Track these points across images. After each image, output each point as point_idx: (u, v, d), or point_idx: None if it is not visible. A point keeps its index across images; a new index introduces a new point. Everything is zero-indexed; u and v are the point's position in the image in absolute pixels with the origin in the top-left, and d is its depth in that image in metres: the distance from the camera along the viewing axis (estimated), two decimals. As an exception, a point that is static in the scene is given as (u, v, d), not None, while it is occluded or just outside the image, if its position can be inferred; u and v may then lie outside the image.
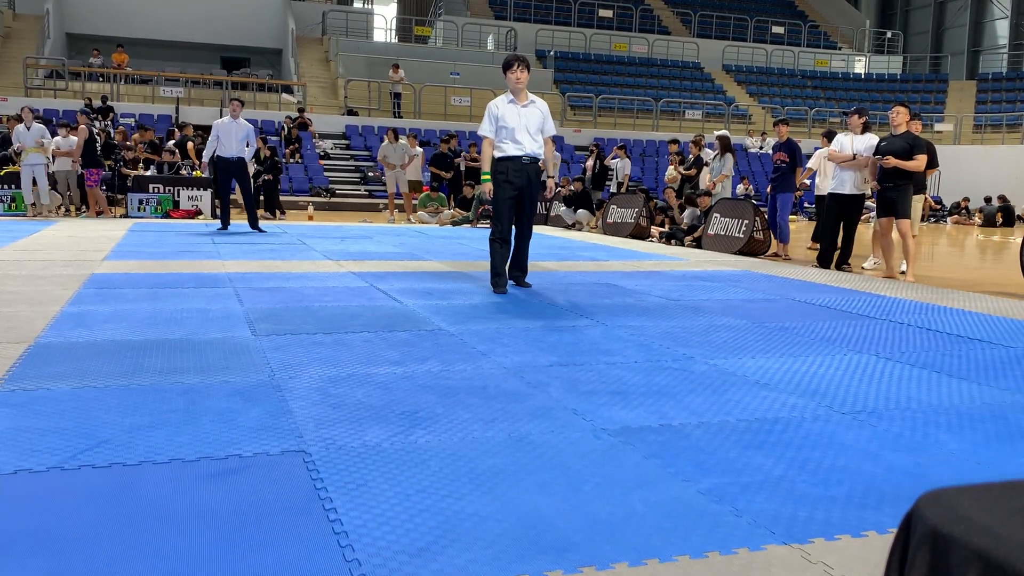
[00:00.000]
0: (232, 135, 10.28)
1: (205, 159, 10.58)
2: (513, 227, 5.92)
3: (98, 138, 12.88)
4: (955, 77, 32.61)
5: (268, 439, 2.53)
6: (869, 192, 8.35)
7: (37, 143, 11.91)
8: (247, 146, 10.45)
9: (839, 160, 8.19)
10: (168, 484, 2.15)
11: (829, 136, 11.04)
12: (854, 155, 8.05)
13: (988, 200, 21.25)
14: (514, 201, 5.83)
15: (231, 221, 10.99)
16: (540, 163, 5.90)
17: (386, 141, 14.62)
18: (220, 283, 5.84)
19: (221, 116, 20.36)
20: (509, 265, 5.99)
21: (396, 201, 14.94)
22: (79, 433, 2.53)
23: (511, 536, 1.91)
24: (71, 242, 8.51)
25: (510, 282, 6.02)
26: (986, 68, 33.69)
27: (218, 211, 13.43)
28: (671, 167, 13.28)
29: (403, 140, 14.70)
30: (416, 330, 4.32)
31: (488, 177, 5.84)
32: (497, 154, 5.80)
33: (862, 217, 9.08)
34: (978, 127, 27.03)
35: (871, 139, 8.06)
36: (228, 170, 10.39)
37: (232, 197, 15.06)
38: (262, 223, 11.69)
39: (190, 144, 14.78)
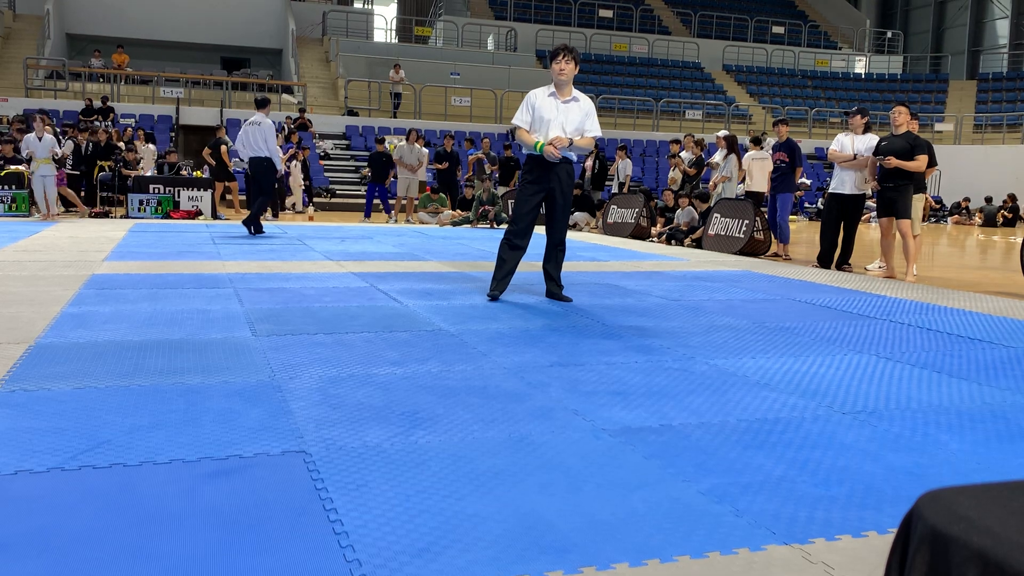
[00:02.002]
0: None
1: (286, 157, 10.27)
2: (546, 234, 5.56)
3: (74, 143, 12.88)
4: (955, 77, 32.62)
5: (268, 439, 2.53)
6: (869, 192, 8.36)
7: (52, 153, 11.85)
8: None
9: (839, 160, 8.20)
10: (169, 485, 2.16)
11: (756, 142, 11.15)
12: (855, 155, 8.06)
13: (988, 200, 21.26)
14: (538, 204, 5.43)
15: (224, 219, 10.94)
16: (572, 163, 5.43)
17: (403, 142, 14.57)
18: (220, 284, 5.84)
19: (222, 117, 20.48)
20: (545, 277, 5.64)
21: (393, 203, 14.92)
22: (79, 434, 2.53)
23: (512, 536, 1.91)
24: (71, 243, 8.51)
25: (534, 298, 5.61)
26: (986, 68, 33.69)
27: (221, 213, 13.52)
28: (672, 169, 13.32)
29: (417, 143, 14.61)
30: (416, 330, 4.32)
31: (541, 143, 5.26)
32: (527, 151, 5.41)
33: (862, 217, 9.09)
34: (978, 127, 27.03)
35: (872, 139, 8.07)
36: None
37: (228, 197, 15.07)
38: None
39: (223, 148, 14.65)
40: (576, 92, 5.45)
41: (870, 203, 14.42)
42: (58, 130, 12.97)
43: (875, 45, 35.17)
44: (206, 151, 14.67)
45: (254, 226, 10.24)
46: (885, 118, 8.56)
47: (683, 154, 12.92)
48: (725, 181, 10.99)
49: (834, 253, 8.37)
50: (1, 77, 21.30)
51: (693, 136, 13.22)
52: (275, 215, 14.53)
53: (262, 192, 10.34)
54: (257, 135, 10.18)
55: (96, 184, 13.97)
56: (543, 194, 5.42)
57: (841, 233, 8.35)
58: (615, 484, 2.25)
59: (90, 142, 14.23)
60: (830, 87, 30.45)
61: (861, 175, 8.12)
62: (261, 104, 10.41)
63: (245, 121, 10.51)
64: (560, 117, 5.33)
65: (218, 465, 2.30)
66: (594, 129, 5.44)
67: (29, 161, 12.05)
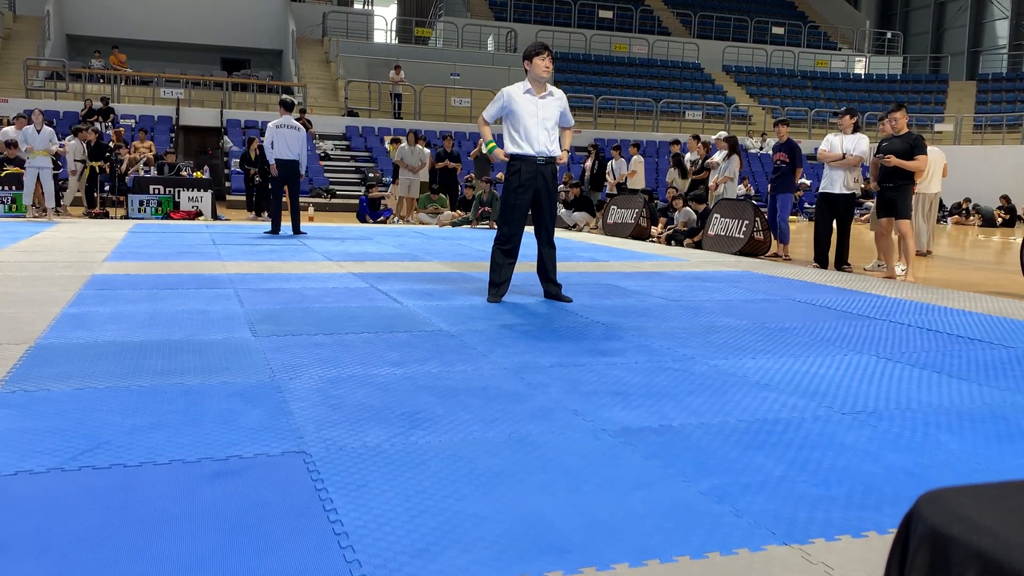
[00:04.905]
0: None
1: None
2: (535, 236, 5.58)
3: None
4: (955, 77, 32.60)
5: (268, 440, 2.53)
6: (859, 192, 8.41)
7: (46, 148, 11.84)
8: (272, 147, 10.47)
9: (829, 160, 8.24)
10: (168, 485, 2.16)
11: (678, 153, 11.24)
12: (843, 154, 8.12)
13: (976, 206, 21.39)
14: (526, 207, 5.43)
15: (225, 220, 10.96)
16: (556, 160, 5.48)
17: (403, 144, 14.56)
18: (220, 284, 5.84)
19: (222, 118, 20.47)
20: (540, 278, 5.66)
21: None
22: (80, 434, 2.53)
23: (511, 537, 1.91)
24: (72, 243, 8.51)
25: (540, 299, 5.64)
26: (986, 68, 33.68)
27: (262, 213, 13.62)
28: (673, 168, 13.36)
29: (418, 143, 14.61)
30: (416, 331, 4.32)
31: (493, 144, 5.51)
32: (513, 149, 5.39)
33: (863, 218, 9.11)
34: (978, 127, 27.01)
35: (860, 139, 8.15)
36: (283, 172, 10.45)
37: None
38: (252, 223, 11.67)
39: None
40: (550, 87, 5.51)
41: (869, 203, 14.44)
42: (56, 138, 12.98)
43: (875, 46, 35.16)
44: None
45: (295, 227, 10.65)
46: (873, 119, 8.59)
47: (688, 155, 12.94)
48: (726, 182, 11.00)
49: (828, 250, 8.40)
50: (1, 78, 21.29)
51: (699, 138, 13.23)
52: (259, 213, 14.34)
53: (293, 194, 10.59)
54: (293, 139, 10.32)
55: (96, 184, 13.95)
56: (530, 196, 5.42)
57: (835, 233, 8.38)
58: (615, 484, 2.25)
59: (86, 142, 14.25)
60: (830, 87, 30.44)
61: (851, 174, 8.19)
62: (289, 107, 10.51)
63: (270, 123, 10.52)
64: (540, 114, 5.38)
65: (218, 466, 2.30)
66: (569, 120, 5.64)
67: (22, 163, 12.05)
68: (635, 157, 14.32)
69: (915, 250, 7.89)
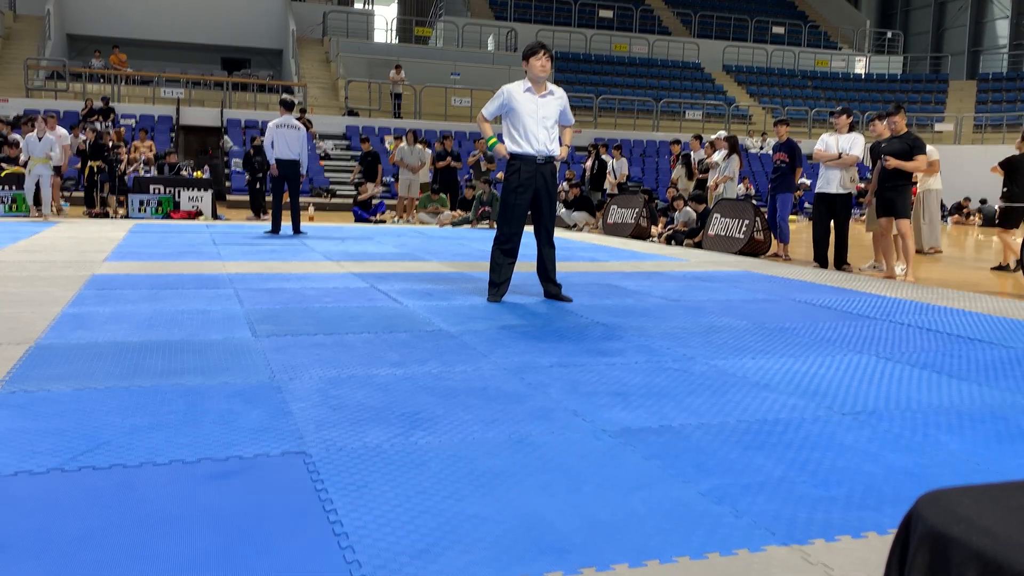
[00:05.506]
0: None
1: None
2: (534, 235, 5.58)
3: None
4: (955, 77, 32.59)
5: (268, 440, 2.53)
6: (855, 191, 8.43)
7: (46, 155, 11.82)
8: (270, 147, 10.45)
9: (825, 159, 8.25)
10: (168, 486, 2.16)
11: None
12: (839, 154, 8.13)
13: (983, 202, 21.34)
14: (526, 206, 5.48)
15: (225, 219, 10.95)
16: (556, 160, 5.50)
17: (402, 144, 14.55)
18: (220, 284, 5.84)
19: (222, 117, 20.47)
20: (540, 278, 5.66)
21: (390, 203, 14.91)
22: (79, 435, 2.53)
23: (511, 537, 1.91)
24: (72, 243, 8.51)
25: (541, 298, 5.65)
26: (986, 68, 33.68)
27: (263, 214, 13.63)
28: (680, 167, 13.32)
29: (418, 144, 14.62)
30: (416, 331, 4.32)
31: (494, 139, 5.57)
32: (512, 148, 5.40)
33: (863, 217, 9.10)
34: (978, 127, 27.00)
35: (856, 138, 8.16)
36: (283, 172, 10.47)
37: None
38: (252, 223, 11.67)
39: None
40: (551, 85, 5.51)
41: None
42: (65, 132, 12.98)
43: (875, 45, 35.15)
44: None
45: (295, 226, 10.70)
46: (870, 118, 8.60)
47: (692, 155, 12.95)
48: (726, 181, 11.00)
49: (826, 250, 8.41)
50: (1, 78, 21.29)
51: (700, 138, 13.22)
52: (256, 214, 14.31)
53: (294, 193, 10.62)
54: (293, 138, 10.33)
55: (96, 184, 13.95)
56: (530, 195, 5.43)
57: (833, 232, 8.39)
58: (615, 485, 2.25)
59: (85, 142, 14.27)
60: (830, 87, 30.43)
61: (847, 174, 8.20)
62: (289, 106, 10.52)
63: (270, 123, 10.52)
64: (541, 112, 5.38)
65: (218, 466, 2.30)
66: (569, 119, 5.66)
67: (26, 163, 12.06)
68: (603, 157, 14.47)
69: (915, 249, 7.89)
